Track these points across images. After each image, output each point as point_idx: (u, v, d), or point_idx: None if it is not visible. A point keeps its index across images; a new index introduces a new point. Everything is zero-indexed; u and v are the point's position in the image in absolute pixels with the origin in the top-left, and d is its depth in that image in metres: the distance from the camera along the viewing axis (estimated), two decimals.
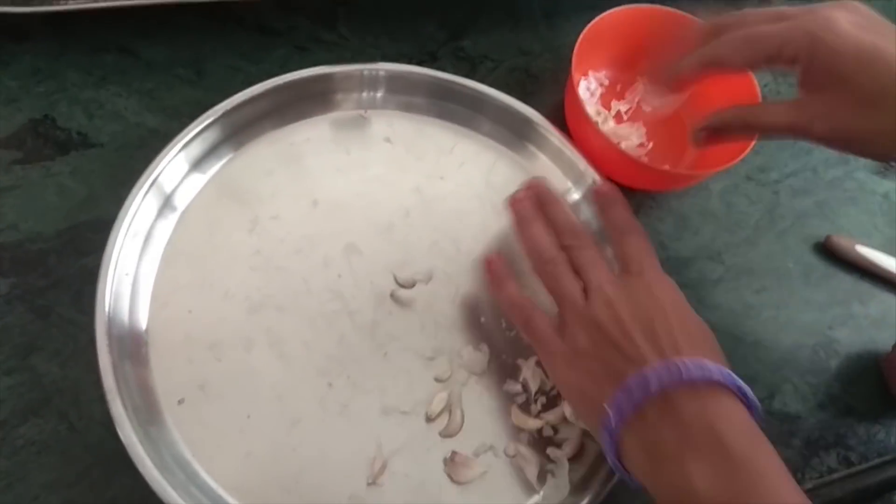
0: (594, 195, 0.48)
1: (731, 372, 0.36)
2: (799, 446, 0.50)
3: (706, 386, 0.35)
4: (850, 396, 0.52)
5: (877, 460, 0.50)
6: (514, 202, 0.47)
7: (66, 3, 0.50)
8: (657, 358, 0.36)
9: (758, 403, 0.37)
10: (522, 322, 0.43)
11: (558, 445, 0.45)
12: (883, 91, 0.37)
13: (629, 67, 0.60)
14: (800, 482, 0.48)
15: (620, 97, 0.59)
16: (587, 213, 0.53)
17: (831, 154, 0.62)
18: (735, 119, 0.45)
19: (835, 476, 0.49)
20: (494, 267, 0.46)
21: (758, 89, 0.54)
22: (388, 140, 0.54)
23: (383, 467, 0.43)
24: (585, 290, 0.41)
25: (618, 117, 0.59)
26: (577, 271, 0.43)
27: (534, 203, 0.46)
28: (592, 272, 0.42)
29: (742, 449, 0.34)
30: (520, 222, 0.46)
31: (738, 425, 0.35)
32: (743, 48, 0.41)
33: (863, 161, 0.62)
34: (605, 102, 0.59)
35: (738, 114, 0.45)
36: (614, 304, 0.39)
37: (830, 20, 0.39)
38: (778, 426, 0.50)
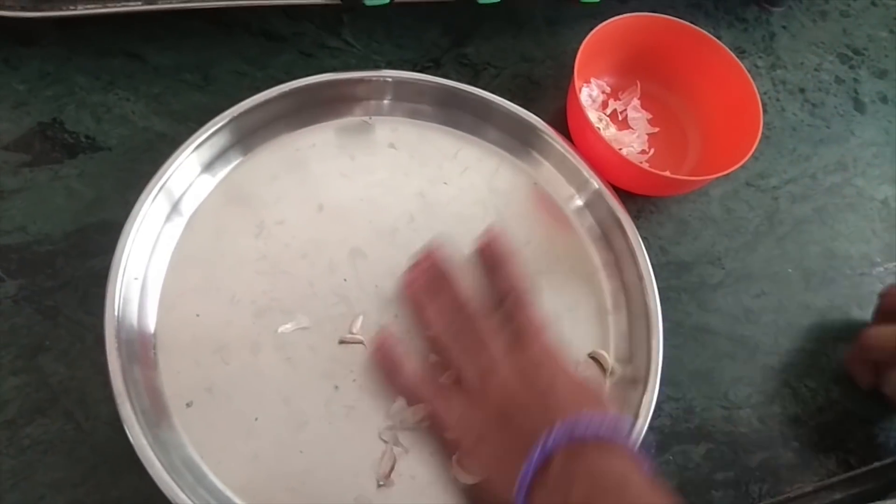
0: (479, 251, 0.45)
1: (615, 425, 0.36)
2: (798, 449, 0.50)
3: (599, 445, 0.35)
4: (849, 400, 0.53)
5: (876, 464, 0.50)
6: (406, 286, 0.44)
7: (74, 8, 0.51)
8: (554, 419, 0.36)
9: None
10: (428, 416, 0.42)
11: None
12: None
13: (630, 74, 0.61)
14: (799, 485, 0.49)
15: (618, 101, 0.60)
16: (590, 220, 0.54)
17: (830, 160, 0.62)
18: None
19: (834, 479, 0.50)
20: (383, 354, 0.42)
21: (757, 96, 0.54)
22: (392, 146, 0.55)
23: (390, 469, 0.44)
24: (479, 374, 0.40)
25: (613, 116, 0.59)
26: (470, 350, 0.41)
27: (426, 283, 0.44)
28: (480, 356, 0.40)
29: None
30: (413, 311, 0.44)
31: (638, 483, 0.35)
32: None
33: (861, 167, 0.62)
34: (606, 108, 0.60)
35: None
36: (502, 383, 0.39)
37: None
38: (778, 429, 0.51)
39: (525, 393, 0.38)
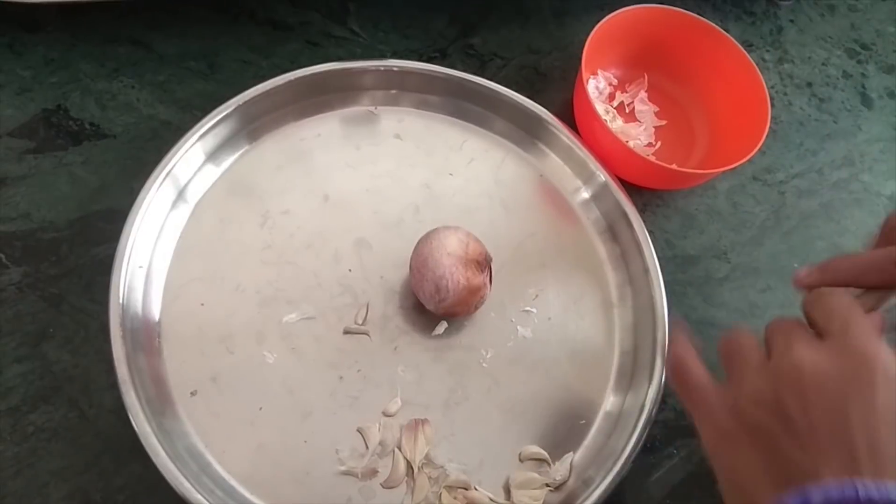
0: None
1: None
2: None
3: None
4: None
5: None
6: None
7: None
8: (835, 463, 0.29)
9: None
10: (678, 373, 0.37)
11: None
12: None
13: (637, 67, 0.60)
14: None
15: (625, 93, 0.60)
16: (596, 212, 0.54)
17: (837, 155, 0.62)
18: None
19: None
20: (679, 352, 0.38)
21: (765, 90, 0.54)
22: (397, 136, 0.54)
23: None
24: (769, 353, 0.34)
25: (620, 108, 0.59)
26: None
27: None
28: (782, 336, 0.34)
29: None
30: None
31: None
32: None
33: (868, 163, 0.62)
34: (613, 100, 0.60)
35: None
36: (803, 374, 0.31)
37: None
38: None
39: (820, 394, 0.30)
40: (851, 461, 0.29)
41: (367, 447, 0.44)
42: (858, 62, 0.68)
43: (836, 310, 0.34)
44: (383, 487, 0.43)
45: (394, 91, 0.55)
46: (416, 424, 0.44)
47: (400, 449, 0.44)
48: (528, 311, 0.49)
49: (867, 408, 0.30)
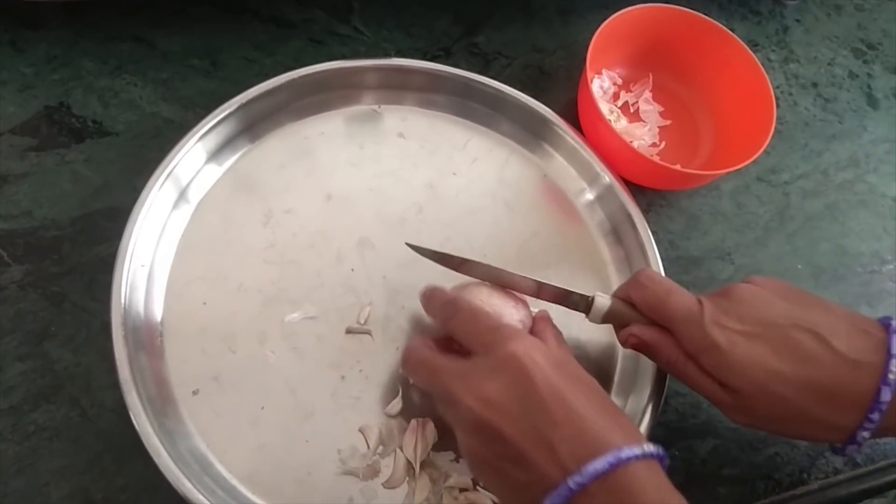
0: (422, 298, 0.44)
1: (620, 444, 0.33)
2: (805, 447, 0.50)
3: (608, 480, 0.32)
4: None
5: (882, 463, 0.50)
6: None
7: None
8: (550, 466, 0.33)
9: (662, 454, 0.34)
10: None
11: None
12: None
13: (642, 66, 0.60)
14: (805, 483, 0.49)
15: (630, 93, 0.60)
16: (600, 213, 0.53)
17: (842, 156, 0.62)
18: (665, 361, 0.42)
19: (840, 477, 0.49)
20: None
21: (771, 91, 0.54)
22: (401, 135, 0.54)
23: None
24: None
25: (624, 108, 0.59)
26: None
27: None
28: (432, 376, 0.38)
29: None
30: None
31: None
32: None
33: (874, 164, 0.62)
34: (617, 99, 0.59)
35: (671, 357, 0.42)
36: (469, 403, 0.35)
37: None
38: None
39: (513, 427, 0.34)
40: (556, 457, 0.33)
41: (368, 447, 0.44)
42: (865, 62, 0.68)
43: (471, 324, 0.39)
44: (384, 488, 0.43)
45: (397, 90, 0.55)
46: (418, 425, 0.44)
47: (401, 449, 0.44)
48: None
49: (540, 400, 0.34)
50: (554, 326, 0.43)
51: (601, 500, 0.32)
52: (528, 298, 0.45)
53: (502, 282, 0.44)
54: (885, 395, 0.36)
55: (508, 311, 0.42)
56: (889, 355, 0.37)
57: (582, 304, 0.44)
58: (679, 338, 0.41)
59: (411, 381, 0.45)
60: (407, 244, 0.46)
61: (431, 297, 0.43)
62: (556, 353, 0.37)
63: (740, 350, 0.38)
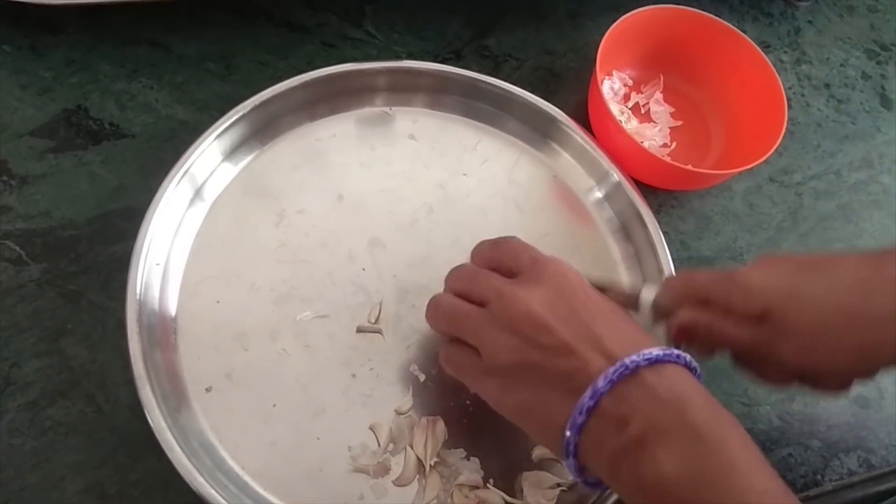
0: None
1: (660, 344, 0.35)
2: (819, 448, 0.50)
3: (653, 368, 0.33)
4: (871, 399, 0.52)
5: None
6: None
7: None
8: (595, 355, 0.34)
9: (697, 366, 0.35)
10: (443, 357, 0.41)
11: None
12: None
13: (653, 67, 0.60)
14: (819, 484, 0.48)
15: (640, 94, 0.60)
16: (610, 212, 0.53)
17: (855, 157, 0.62)
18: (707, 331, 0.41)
19: (855, 479, 0.49)
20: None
21: (782, 91, 0.54)
22: (412, 137, 0.55)
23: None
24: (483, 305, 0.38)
25: (635, 109, 0.59)
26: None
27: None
28: (481, 283, 0.39)
29: (710, 428, 0.32)
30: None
31: (699, 402, 0.33)
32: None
33: (887, 164, 0.62)
34: (628, 100, 0.60)
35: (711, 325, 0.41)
36: (518, 301, 0.36)
37: None
38: (798, 427, 0.50)
39: (544, 307, 0.36)
40: (602, 347, 0.34)
41: (378, 444, 0.44)
42: (878, 63, 0.68)
43: (518, 251, 0.40)
44: (395, 485, 0.43)
45: (408, 92, 0.55)
46: (428, 423, 0.45)
47: (412, 447, 0.44)
48: None
49: (584, 304, 0.36)
50: None
51: (654, 383, 0.33)
52: None
53: None
54: None
55: None
56: None
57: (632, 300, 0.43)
58: (713, 300, 0.40)
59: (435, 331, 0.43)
60: None
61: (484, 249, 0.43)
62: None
63: (760, 274, 0.39)
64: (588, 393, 0.33)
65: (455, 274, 0.42)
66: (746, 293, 0.39)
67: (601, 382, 0.33)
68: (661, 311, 0.42)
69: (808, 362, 0.39)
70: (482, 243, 0.43)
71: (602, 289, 0.40)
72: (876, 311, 0.37)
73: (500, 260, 0.40)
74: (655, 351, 0.33)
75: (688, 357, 0.35)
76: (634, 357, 0.33)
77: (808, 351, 0.38)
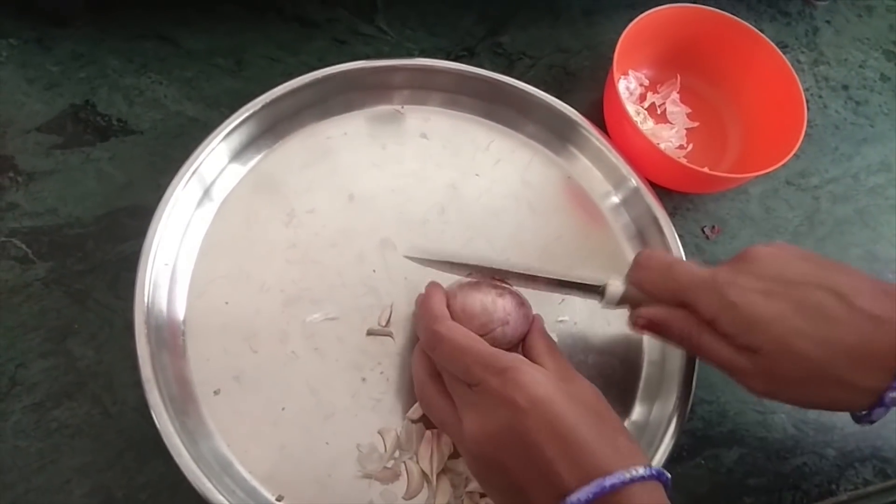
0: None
1: (613, 468, 0.32)
2: (834, 457, 0.49)
3: (606, 497, 0.32)
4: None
5: None
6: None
7: None
8: (545, 495, 0.33)
9: (657, 473, 0.34)
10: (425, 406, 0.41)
11: None
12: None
13: (669, 67, 0.59)
14: (834, 494, 0.48)
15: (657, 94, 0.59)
16: (626, 218, 0.53)
17: (873, 161, 0.61)
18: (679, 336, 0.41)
19: (870, 489, 0.48)
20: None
21: (801, 93, 0.53)
22: (424, 136, 0.54)
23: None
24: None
25: (651, 110, 0.58)
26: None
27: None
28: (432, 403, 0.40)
29: None
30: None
31: None
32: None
33: None
34: (643, 100, 0.59)
35: (684, 331, 0.40)
36: (467, 436, 0.36)
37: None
38: (813, 436, 0.50)
39: (511, 460, 0.34)
40: (553, 482, 0.33)
41: (385, 450, 0.43)
42: None
43: (466, 362, 0.37)
44: (404, 500, 0.42)
45: (420, 90, 0.54)
46: (434, 436, 0.44)
47: (417, 461, 0.43)
48: (556, 318, 0.49)
49: (537, 436, 0.33)
50: (547, 338, 0.42)
51: None
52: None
53: (512, 282, 0.44)
54: None
55: (507, 313, 0.41)
56: None
57: (596, 291, 0.43)
58: (694, 307, 0.39)
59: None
60: (405, 257, 0.46)
61: (420, 310, 0.42)
62: (550, 377, 0.36)
63: (759, 307, 0.37)
64: None
65: (418, 391, 0.41)
66: (743, 324, 0.37)
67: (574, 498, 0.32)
68: (631, 301, 0.42)
69: (776, 397, 0.39)
70: (420, 310, 0.42)
71: (567, 284, 0.41)
72: (863, 385, 0.36)
73: (442, 364, 0.39)
74: (609, 480, 0.32)
75: (641, 472, 0.33)
76: (572, 500, 0.32)
77: (780, 392, 0.38)
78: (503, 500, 0.36)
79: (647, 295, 0.41)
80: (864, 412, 0.37)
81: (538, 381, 0.35)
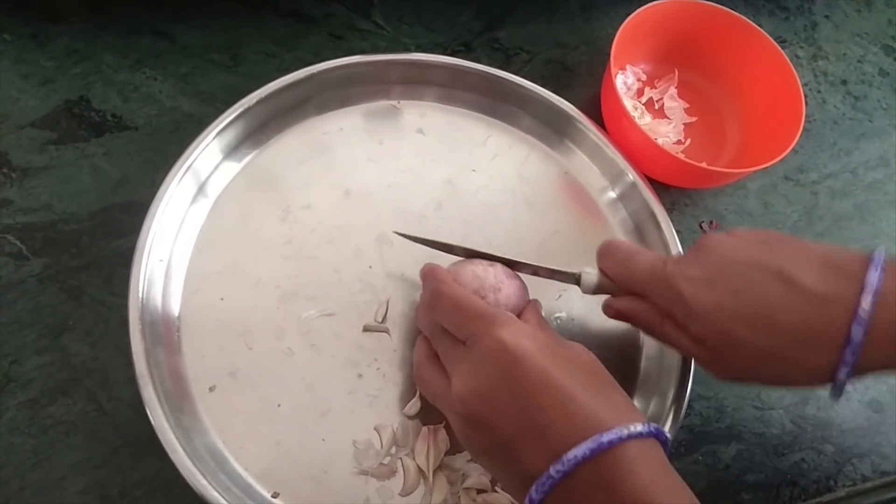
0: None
1: (611, 425, 0.31)
2: (832, 453, 0.49)
3: (594, 463, 0.31)
4: (885, 404, 0.51)
5: None
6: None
7: None
8: (537, 452, 0.32)
9: (656, 430, 0.33)
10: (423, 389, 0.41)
11: None
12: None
13: (667, 62, 0.59)
14: (832, 490, 0.48)
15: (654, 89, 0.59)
16: (624, 213, 0.52)
17: (872, 156, 0.60)
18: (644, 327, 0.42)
19: (868, 485, 0.48)
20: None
21: (800, 88, 0.53)
22: (420, 131, 0.54)
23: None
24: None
25: (648, 105, 0.58)
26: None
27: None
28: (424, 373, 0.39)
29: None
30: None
31: (638, 490, 0.31)
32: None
33: None
34: (641, 95, 0.58)
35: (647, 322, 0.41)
36: (455, 393, 0.35)
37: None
38: (811, 432, 0.49)
39: (499, 417, 0.33)
40: (544, 442, 0.32)
41: (381, 447, 0.43)
42: (895, 59, 0.66)
43: (459, 317, 0.37)
44: (400, 497, 0.42)
45: (417, 85, 0.54)
46: (430, 432, 0.44)
47: (413, 457, 0.43)
48: (553, 314, 0.48)
49: (528, 389, 0.33)
50: (541, 316, 0.41)
51: (589, 483, 0.31)
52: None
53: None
54: (857, 334, 0.33)
55: (498, 280, 0.41)
56: (861, 288, 0.34)
57: (573, 279, 0.43)
58: (651, 298, 0.39)
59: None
60: (395, 232, 0.47)
61: (424, 279, 0.42)
62: (542, 336, 0.36)
63: (701, 297, 0.37)
64: (533, 490, 0.32)
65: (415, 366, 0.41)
66: (689, 315, 0.37)
67: (538, 490, 0.32)
68: (609, 290, 0.42)
69: (739, 382, 0.39)
70: (424, 279, 0.42)
71: (545, 270, 0.42)
72: (813, 364, 0.35)
73: (441, 322, 0.38)
74: (591, 444, 0.31)
75: (640, 429, 0.32)
76: (570, 456, 0.31)
77: (740, 377, 0.39)
78: (491, 463, 0.35)
79: (614, 284, 0.42)
80: (830, 388, 0.37)
81: (531, 334, 0.35)
